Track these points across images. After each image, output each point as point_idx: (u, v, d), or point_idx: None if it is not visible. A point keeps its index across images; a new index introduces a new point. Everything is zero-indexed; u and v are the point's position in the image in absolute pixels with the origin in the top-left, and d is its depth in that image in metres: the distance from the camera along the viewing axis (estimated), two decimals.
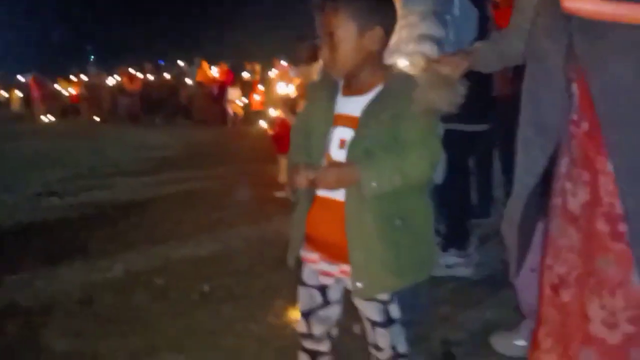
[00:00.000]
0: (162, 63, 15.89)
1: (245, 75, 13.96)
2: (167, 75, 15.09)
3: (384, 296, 1.45)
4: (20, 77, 16.94)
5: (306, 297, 1.54)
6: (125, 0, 22.05)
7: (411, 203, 1.40)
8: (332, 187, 1.36)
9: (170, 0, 21.53)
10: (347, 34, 1.35)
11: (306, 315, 1.54)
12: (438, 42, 2.08)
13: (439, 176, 2.08)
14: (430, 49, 2.04)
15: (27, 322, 2.46)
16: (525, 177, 1.08)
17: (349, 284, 1.44)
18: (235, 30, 18.47)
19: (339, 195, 1.38)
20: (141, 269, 3.09)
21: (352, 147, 1.37)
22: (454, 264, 2.88)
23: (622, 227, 0.90)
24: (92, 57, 17.96)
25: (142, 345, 2.23)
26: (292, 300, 2.41)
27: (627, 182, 0.88)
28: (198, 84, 13.94)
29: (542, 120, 1.01)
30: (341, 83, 1.45)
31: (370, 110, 1.36)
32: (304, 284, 1.54)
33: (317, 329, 1.54)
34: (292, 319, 2.39)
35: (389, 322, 1.47)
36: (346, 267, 1.42)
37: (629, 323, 0.90)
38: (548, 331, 1.02)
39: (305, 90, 1.57)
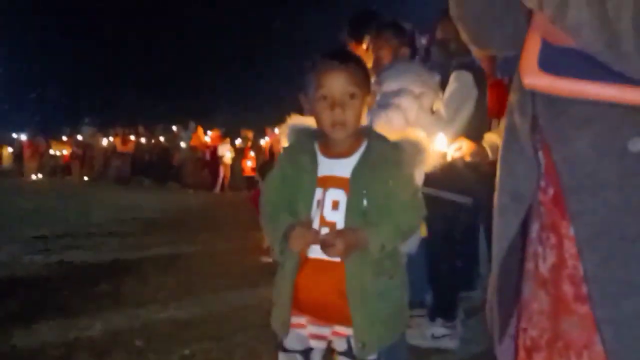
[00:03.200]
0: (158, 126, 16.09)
1: (238, 142, 14.22)
2: (161, 139, 15.30)
3: (373, 356, 1.46)
4: (14, 135, 17.08)
5: None
6: (125, 65, 22.68)
7: (395, 259, 1.48)
8: (343, 253, 1.36)
9: (166, 68, 22.18)
10: (361, 95, 1.45)
11: None
12: (416, 97, 2.22)
13: (412, 245, 2.15)
14: (409, 101, 2.18)
15: None
16: (500, 241, 1.12)
17: (340, 345, 1.46)
18: (229, 97, 19.00)
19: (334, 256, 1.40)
20: (121, 329, 3.02)
21: (350, 210, 1.41)
22: (441, 336, 2.85)
23: (585, 290, 0.94)
24: (87, 118, 18.29)
25: None
26: None
27: (585, 246, 0.93)
28: (191, 148, 14.14)
29: (516, 188, 1.06)
30: (317, 145, 1.50)
31: (360, 172, 1.43)
32: (285, 349, 1.52)
33: None
34: None
35: None
36: (340, 329, 1.45)
37: None
38: None
39: (281, 153, 1.57)
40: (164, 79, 21.92)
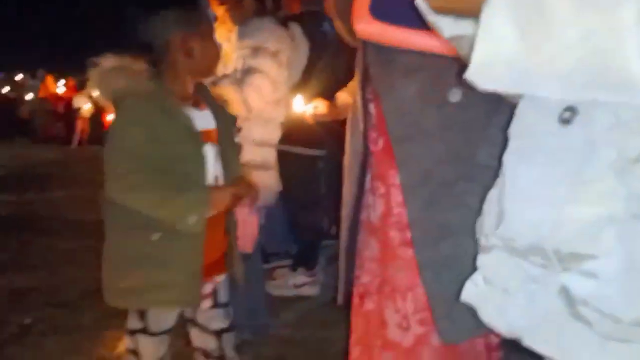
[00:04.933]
0: (1, 75, 14.34)
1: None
2: (5, 89, 13.64)
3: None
4: None
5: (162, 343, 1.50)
6: None
7: None
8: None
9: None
10: None
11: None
12: (273, 53, 2.22)
13: (269, 199, 2.21)
14: (268, 61, 2.17)
15: None
16: (346, 196, 1.14)
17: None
18: (84, 42, 17.37)
19: None
20: None
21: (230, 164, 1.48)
22: (302, 284, 2.94)
23: (410, 235, 0.98)
24: None
25: None
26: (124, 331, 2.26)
27: (410, 192, 0.96)
28: (41, 100, 12.79)
29: (356, 147, 1.08)
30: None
31: (224, 125, 1.49)
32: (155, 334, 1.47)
33: None
34: (123, 349, 2.22)
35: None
36: (219, 277, 1.52)
37: (419, 325, 0.97)
38: (356, 340, 1.07)
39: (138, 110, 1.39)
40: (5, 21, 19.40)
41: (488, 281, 0.61)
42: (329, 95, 2.72)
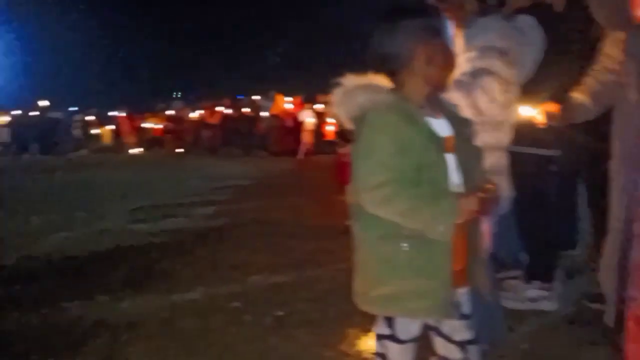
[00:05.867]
0: (242, 97, 16.57)
1: (318, 106, 14.20)
2: (246, 109, 15.70)
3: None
4: (111, 113, 18.28)
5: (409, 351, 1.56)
6: (207, 40, 23.38)
7: None
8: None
9: (248, 39, 22.58)
10: None
11: None
12: (501, 52, 2.11)
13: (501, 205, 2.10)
14: (495, 61, 2.08)
15: (114, 339, 2.59)
16: (617, 210, 1.04)
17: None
18: (308, 63, 19.02)
19: None
20: (218, 293, 3.19)
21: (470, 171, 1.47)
22: (538, 297, 2.75)
23: None
24: (179, 93, 19.23)
25: None
26: (365, 329, 2.41)
27: None
28: (274, 117, 14.40)
29: (627, 150, 0.97)
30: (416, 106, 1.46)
31: (460, 131, 1.48)
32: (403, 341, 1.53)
33: None
34: (364, 348, 2.37)
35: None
36: (463, 288, 1.51)
37: None
38: None
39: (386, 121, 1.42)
40: (242, 51, 22.39)
41: None
42: (562, 94, 2.50)
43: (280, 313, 2.84)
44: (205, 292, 3.20)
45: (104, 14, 20.67)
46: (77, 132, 17.45)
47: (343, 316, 2.71)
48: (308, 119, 13.56)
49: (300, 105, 14.31)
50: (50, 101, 17.38)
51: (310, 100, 14.29)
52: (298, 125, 13.73)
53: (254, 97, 15.97)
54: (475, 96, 2.08)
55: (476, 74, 2.12)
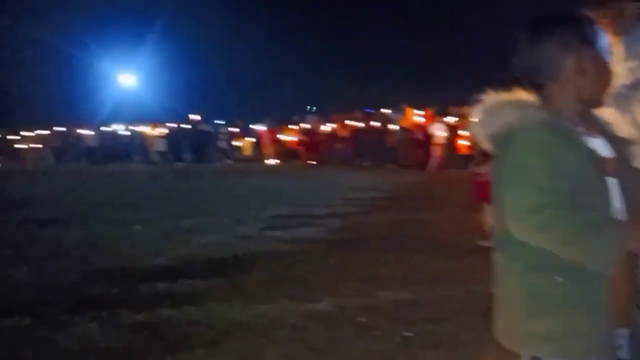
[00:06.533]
0: (372, 110, 16.74)
1: (450, 119, 13.81)
2: (375, 122, 15.82)
3: None
4: (252, 126, 19.67)
5: None
6: (337, 55, 24.07)
7: None
8: None
9: (379, 54, 22.80)
10: None
11: None
12: None
13: None
14: None
15: (249, 341, 2.75)
16: None
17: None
18: (442, 76, 18.68)
19: None
20: (347, 305, 3.23)
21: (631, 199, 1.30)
22: None
23: None
24: (314, 108, 20.01)
25: None
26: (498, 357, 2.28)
27: None
28: (403, 130, 14.34)
29: None
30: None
31: (620, 152, 1.33)
32: None
33: None
34: None
35: None
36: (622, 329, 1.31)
37: None
38: None
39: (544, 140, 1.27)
40: (375, 65, 22.65)
41: None
42: None
43: (409, 334, 2.79)
44: (334, 303, 3.26)
45: (252, 36, 22.18)
46: (222, 143, 19.04)
47: (474, 341, 2.60)
48: (439, 132, 13.29)
49: (431, 118, 14.07)
50: (200, 115, 19.16)
51: (442, 113, 13.99)
52: (428, 138, 13.51)
53: (383, 110, 16.07)
54: (635, 111, 1.88)
55: (637, 86, 1.91)
